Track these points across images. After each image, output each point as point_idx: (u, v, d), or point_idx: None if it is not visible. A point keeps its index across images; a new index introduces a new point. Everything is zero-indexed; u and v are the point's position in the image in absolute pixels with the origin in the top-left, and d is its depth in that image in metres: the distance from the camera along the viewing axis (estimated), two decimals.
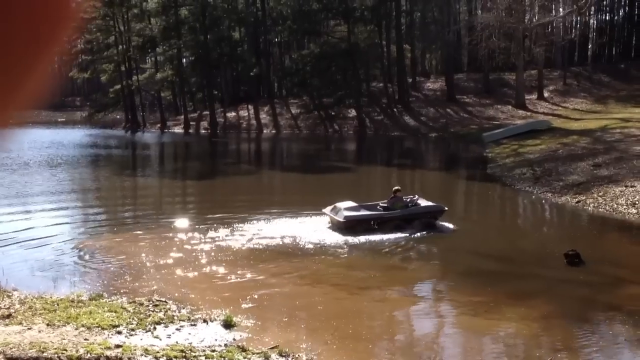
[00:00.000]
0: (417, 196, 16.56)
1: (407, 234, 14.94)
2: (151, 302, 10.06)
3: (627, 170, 21.11)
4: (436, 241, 14.63)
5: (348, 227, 15.13)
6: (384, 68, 60.64)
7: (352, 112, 55.56)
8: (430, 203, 16.31)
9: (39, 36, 0.67)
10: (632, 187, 18.84)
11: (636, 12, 70.55)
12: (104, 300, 10.07)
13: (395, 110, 55.54)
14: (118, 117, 69.10)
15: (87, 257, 13.50)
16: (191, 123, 59.95)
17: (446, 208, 16.34)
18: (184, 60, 64.78)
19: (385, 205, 16.11)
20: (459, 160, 34.88)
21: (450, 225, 15.92)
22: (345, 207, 15.60)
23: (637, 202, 17.39)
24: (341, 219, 15.24)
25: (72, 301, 9.87)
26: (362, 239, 14.63)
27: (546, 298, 10.59)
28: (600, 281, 11.43)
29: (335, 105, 56.40)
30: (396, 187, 16.60)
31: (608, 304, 10.05)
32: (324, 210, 16.32)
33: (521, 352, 8.45)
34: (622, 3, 70.68)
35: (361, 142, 47.51)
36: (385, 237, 14.71)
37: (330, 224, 15.91)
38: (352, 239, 14.64)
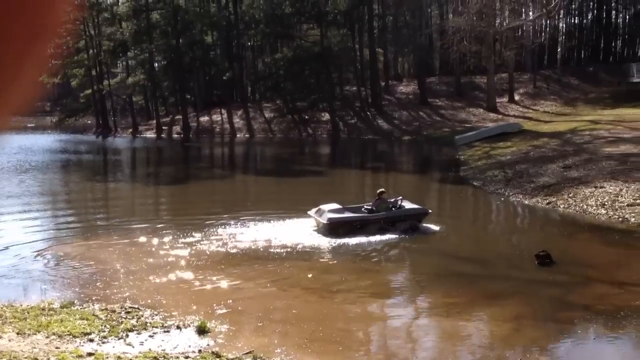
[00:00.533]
0: (401, 198, 16.61)
1: (386, 237, 14.98)
2: (123, 309, 9.94)
3: (596, 172, 21.45)
4: (410, 244, 14.69)
5: (331, 229, 15.19)
6: (357, 72, 60.87)
7: (326, 116, 55.63)
8: (414, 205, 16.42)
9: (28, 41, 0.67)
10: (601, 188, 19.15)
11: (604, 15, 71.83)
12: (76, 308, 9.93)
13: (368, 113, 55.78)
14: (89, 122, 68.26)
15: (57, 264, 13.30)
16: (163, 128, 59.51)
17: (430, 210, 16.48)
18: (156, 64, 64.27)
19: (370, 207, 16.17)
20: (432, 163, 35.13)
21: (434, 227, 16.03)
22: (329, 209, 15.65)
23: (606, 203, 17.67)
24: (325, 221, 15.30)
25: (43, 309, 9.71)
26: (338, 241, 14.64)
27: (517, 299, 10.70)
28: (571, 281, 11.59)
29: (308, 108, 56.45)
30: (380, 190, 16.66)
31: (578, 304, 10.19)
32: (309, 213, 16.36)
33: (493, 352, 8.52)
34: (591, 7, 71.93)
35: (335, 146, 47.60)
36: (361, 240, 14.75)
37: (316, 227, 15.93)
38: (326, 242, 14.64)
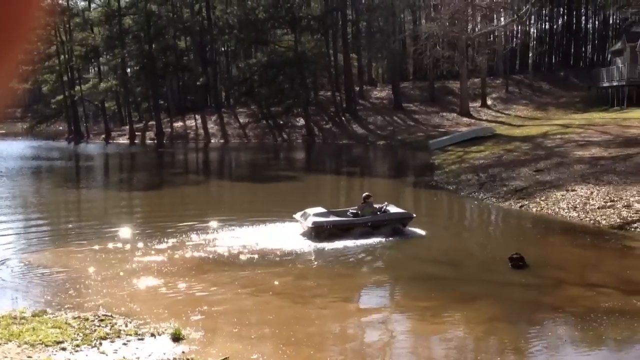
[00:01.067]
0: (386, 203, 16.71)
1: (365, 242, 14.99)
2: (97, 317, 9.81)
3: (567, 175, 21.76)
4: (386, 249, 14.73)
5: (316, 232, 15.31)
6: (332, 77, 61.05)
7: (301, 121, 55.67)
8: (400, 210, 16.54)
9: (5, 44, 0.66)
10: (572, 191, 19.43)
11: (574, 21, 72.95)
12: (48, 316, 9.77)
13: (343, 118, 55.95)
14: (61, 128, 67.54)
15: (29, 271, 13.09)
16: (137, 133, 59.02)
17: (414, 215, 16.60)
18: (129, 69, 63.79)
19: (355, 211, 16.27)
20: (406, 167, 35.32)
21: (420, 231, 16.12)
22: (314, 213, 15.77)
23: (577, 206, 17.93)
24: (310, 224, 15.41)
25: (15, 318, 9.54)
26: (312, 246, 14.62)
27: (491, 301, 10.79)
28: (544, 284, 11.72)
29: (283, 114, 56.47)
30: (366, 194, 16.69)
31: (551, 306, 10.30)
32: (294, 216, 16.47)
33: (466, 355, 8.57)
34: (561, 12, 73.04)
35: (310, 151, 47.64)
36: (337, 245, 14.73)
37: (302, 230, 16.03)
38: (301, 247, 14.61)
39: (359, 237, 15.21)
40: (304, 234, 15.79)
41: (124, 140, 57.74)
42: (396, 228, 15.78)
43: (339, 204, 23.39)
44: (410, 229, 16.14)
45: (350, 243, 14.89)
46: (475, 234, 16.21)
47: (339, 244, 14.74)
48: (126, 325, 9.42)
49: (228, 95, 67.40)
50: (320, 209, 16.16)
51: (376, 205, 16.29)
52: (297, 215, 16.31)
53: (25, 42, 0.67)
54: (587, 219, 16.88)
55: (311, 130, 53.88)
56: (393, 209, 16.43)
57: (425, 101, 58.22)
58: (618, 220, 16.14)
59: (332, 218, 15.89)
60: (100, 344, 8.60)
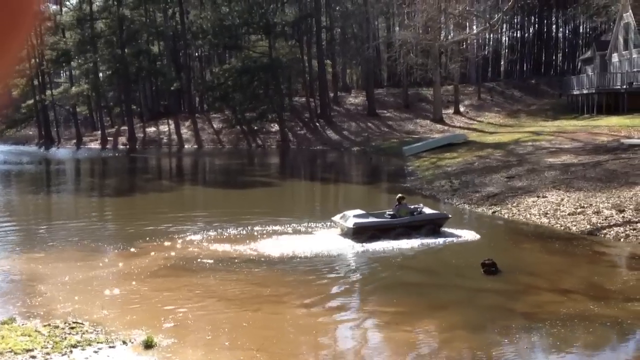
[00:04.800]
0: (421, 204, 17.29)
1: (336, 249, 14.99)
2: (67, 324, 9.65)
3: (538, 182, 22.04)
4: (356, 254, 14.72)
5: (357, 233, 15.59)
6: (306, 83, 61.14)
7: (275, 127, 55.63)
8: (434, 211, 17.11)
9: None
10: (543, 197, 19.68)
11: (545, 29, 74.14)
12: (17, 324, 9.58)
13: (317, 124, 56.04)
14: (31, 133, 66.55)
15: None
16: (109, 138, 58.43)
17: (450, 216, 17.12)
18: (101, 74, 63.15)
19: (392, 213, 16.56)
20: (380, 173, 35.45)
21: (455, 232, 16.38)
22: (354, 215, 16.09)
23: (548, 212, 18.15)
24: (350, 226, 15.69)
25: None
26: (284, 253, 14.54)
27: (461, 307, 10.85)
28: (515, 289, 11.82)
29: (257, 119, 56.35)
30: (400, 195, 17.18)
31: (521, 312, 10.39)
32: (333, 219, 16.84)
33: None
34: (532, 21, 74.16)
35: (284, 156, 47.59)
36: (313, 251, 14.69)
37: (340, 232, 16.36)
38: (275, 254, 14.51)
39: (397, 238, 15.52)
40: (342, 236, 16.09)
41: (95, 145, 57.12)
42: (432, 229, 16.12)
43: (315, 210, 23.40)
44: (445, 229, 16.45)
45: (328, 250, 14.86)
46: (449, 239, 16.25)
47: (314, 251, 14.70)
48: (97, 333, 9.28)
49: (202, 100, 67.10)
50: (360, 211, 16.50)
51: (411, 207, 16.73)
52: (336, 218, 16.65)
53: (20, 46, 0.66)
54: (558, 224, 17.10)
55: (285, 135, 53.86)
56: (428, 210, 16.93)
57: (399, 108, 58.60)
58: (588, 226, 16.37)
59: (372, 219, 16.22)
60: (71, 351, 8.46)
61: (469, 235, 16.14)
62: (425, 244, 15.29)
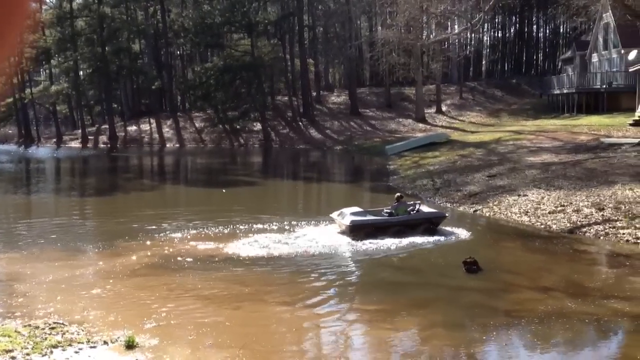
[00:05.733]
0: (419, 202, 17.50)
1: (320, 247, 15.00)
2: (47, 324, 9.56)
3: (519, 181, 22.22)
4: (339, 253, 14.74)
5: (354, 231, 15.68)
6: (289, 82, 61.09)
7: (258, 126, 55.52)
8: (432, 210, 17.36)
9: None
10: (524, 196, 19.84)
11: (526, 29, 74.71)
12: None
13: (300, 123, 56.02)
14: (10, 131, 65.79)
15: None
16: (89, 137, 57.96)
17: (447, 215, 17.37)
18: (81, 72, 62.61)
19: (390, 211, 16.65)
20: (363, 172, 35.54)
21: (452, 230, 16.53)
22: (352, 212, 16.20)
23: (529, 211, 18.30)
24: (348, 223, 15.76)
25: None
26: (266, 253, 14.52)
27: (442, 306, 10.90)
28: (496, 287, 11.91)
29: (240, 118, 56.20)
30: (398, 194, 17.55)
31: (502, 310, 10.46)
32: (331, 216, 16.91)
33: (412, 359, 8.61)
34: (513, 21, 74.69)
35: (267, 155, 47.52)
36: (294, 250, 14.69)
37: (338, 229, 16.43)
38: (257, 253, 14.48)
39: (394, 236, 15.59)
40: (340, 233, 16.14)
41: (76, 144, 56.64)
42: (429, 227, 16.23)
43: (297, 208, 23.40)
44: (443, 227, 16.60)
45: (306, 249, 14.87)
46: (430, 237, 16.33)
47: (296, 250, 14.70)
48: (78, 333, 9.21)
49: (184, 99, 66.76)
50: (357, 209, 16.66)
51: (409, 203, 16.94)
52: (334, 215, 16.73)
53: (15, 43, 0.67)
54: (539, 223, 17.25)
55: (268, 135, 53.77)
56: (425, 208, 17.11)
57: (381, 107, 58.76)
58: (568, 225, 16.53)
59: (369, 217, 16.33)
60: (52, 352, 8.38)
61: (452, 234, 16.22)
62: (408, 242, 15.33)
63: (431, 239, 15.65)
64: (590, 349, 9.16)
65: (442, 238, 15.79)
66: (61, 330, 9.29)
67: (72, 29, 56.83)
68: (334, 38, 65.43)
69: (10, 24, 0.67)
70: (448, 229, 16.74)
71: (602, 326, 9.63)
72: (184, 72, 69.38)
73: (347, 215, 16.07)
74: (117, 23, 59.98)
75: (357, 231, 15.70)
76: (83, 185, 32.29)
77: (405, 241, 15.38)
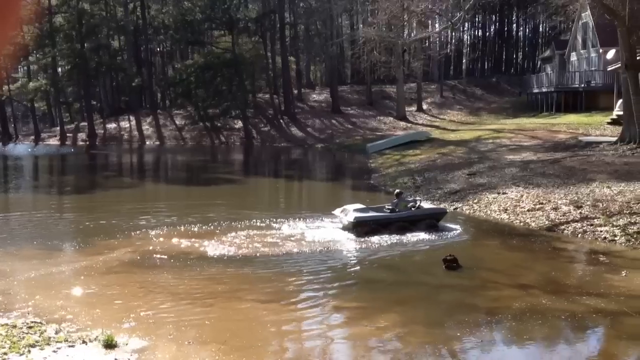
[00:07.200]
0: (419, 199, 17.95)
1: (303, 245, 15.00)
2: (25, 324, 9.46)
3: (498, 178, 22.39)
4: (319, 251, 14.73)
5: (357, 227, 15.80)
6: (270, 79, 60.94)
7: (239, 123, 55.32)
8: (432, 206, 17.80)
9: None
10: (503, 194, 19.99)
11: (506, 28, 75.25)
12: None
13: (281, 121, 55.91)
14: None
15: None
16: (68, 135, 57.37)
17: (447, 210, 17.72)
18: (60, 69, 61.91)
19: (391, 207, 16.78)
20: (344, 170, 35.58)
21: (453, 226, 16.74)
22: (355, 209, 16.36)
23: (508, 208, 18.46)
24: (351, 219, 15.86)
25: None
26: (244, 251, 14.48)
27: (422, 303, 10.97)
28: (475, 284, 12.00)
29: (221, 116, 55.95)
30: (398, 190, 17.96)
31: (481, 307, 10.53)
32: (333, 212, 17.03)
33: (389, 356, 8.64)
34: (493, 20, 75.19)
35: (248, 153, 47.40)
36: (271, 249, 14.68)
37: (341, 225, 16.58)
38: (236, 251, 14.42)
39: (397, 232, 15.73)
40: (343, 229, 16.27)
41: (54, 142, 56.06)
42: (431, 223, 16.38)
43: (278, 206, 23.37)
44: (444, 223, 16.78)
45: (286, 246, 14.86)
46: (411, 235, 16.40)
47: (273, 249, 14.67)
48: (56, 332, 9.12)
49: (164, 96, 66.30)
50: (360, 205, 16.86)
51: (409, 199, 17.29)
52: (337, 212, 16.84)
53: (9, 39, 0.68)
54: (518, 221, 17.40)
55: (249, 132, 53.61)
56: (426, 204, 17.46)
57: (362, 105, 58.84)
58: (546, 222, 16.70)
59: (372, 214, 16.49)
60: (29, 351, 8.29)
61: (434, 232, 16.25)
62: (388, 240, 15.38)
63: (410, 236, 15.71)
64: (566, 345, 9.27)
65: (423, 236, 15.85)
66: (39, 329, 9.20)
67: (50, 25, 56.19)
68: (316, 36, 65.38)
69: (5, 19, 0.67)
70: (426, 225, 16.77)
71: (578, 322, 9.75)
72: (164, 69, 68.90)
73: (350, 212, 16.22)
74: (96, 19, 59.41)
75: (360, 227, 15.84)
76: (61, 182, 31.96)
77: (385, 238, 15.43)
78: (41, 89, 59.90)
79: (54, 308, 10.44)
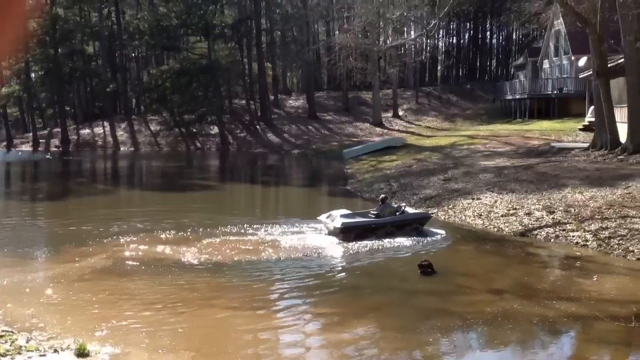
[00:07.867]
0: (404, 204, 18.13)
1: (276, 253, 14.97)
2: None
3: (473, 184, 22.58)
4: (295, 258, 14.71)
5: (344, 232, 15.81)
6: (246, 85, 60.89)
7: (215, 129, 55.14)
8: (416, 210, 17.92)
9: None
10: (478, 199, 20.16)
11: (480, 36, 76.08)
12: None
13: (258, 127, 55.87)
14: None
15: None
16: (41, 141, 56.70)
17: (432, 215, 18.03)
18: (33, 74, 61.17)
19: (376, 212, 16.81)
20: (321, 176, 35.62)
21: (437, 231, 16.86)
22: (341, 215, 16.40)
23: (482, 214, 18.61)
24: (338, 225, 15.86)
25: None
26: (215, 259, 14.40)
27: (395, 309, 10.99)
28: (449, 290, 12.06)
29: (196, 121, 55.74)
30: (383, 196, 18.00)
31: (455, 312, 10.57)
32: (319, 218, 17.04)
33: None
34: (467, 28, 75.97)
35: (224, 159, 47.23)
36: (247, 257, 14.62)
37: (327, 231, 16.57)
38: (208, 258, 14.32)
39: (384, 238, 15.81)
40: (329, 235, 16.29)
41: (27, 148, 55.34)
42: (416, 227, 16.55)
43: (254, 212, 23.28)
44: (428, 228, 16.94)
45: (261, 253, 14.81)
46: (386, 241, 16.47)
47: (249, 257, 14.61)
48: (27, 341, 8.98)
49: (139, 102, 65.86)
50: (346, 211, 16.94)
51: (394, 205, 17.42)
52: (322, 217, 16.86)
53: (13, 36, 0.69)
54: (491, 226, 17.56)
55: (225, 138, 53.45)
56: (410, 209, 17.61)
57: (339, 111, 59.03)
58: (520, 228, 16.87)
59: (359, 219, 16.55)
60: None
61: (409, 237, 16.31)
62: (361, 245, 15.41)
63: (386, 241, 15.76)
64: (538, 349, 9.35)
65: (398, 241, 15.91)
66: (10, 338, 9.05)
67: (23, 30, 55.54)
68: (292, 42, 65.51)
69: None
70: (403, 231, 16.85)
71: (550, 327, 9.85)
72: (139, 75, 68.47)
73: (337, 218, 16.25)
74: (70, 24, 58.86)
75: (347, 233, 15.86)
76: (34, 189, 31.54)
77: (363, 244, 15.45)
78: (14, 94, 59.13)
79: (25, 316, 10.28)
